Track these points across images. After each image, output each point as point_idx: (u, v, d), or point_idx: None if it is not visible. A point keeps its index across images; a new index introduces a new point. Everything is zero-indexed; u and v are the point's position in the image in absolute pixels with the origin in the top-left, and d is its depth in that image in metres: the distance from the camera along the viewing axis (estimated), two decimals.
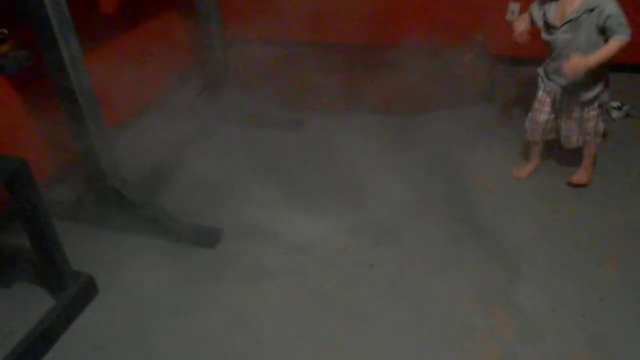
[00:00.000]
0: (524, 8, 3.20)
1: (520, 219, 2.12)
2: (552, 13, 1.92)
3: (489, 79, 3.05)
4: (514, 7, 3.27)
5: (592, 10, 1.79)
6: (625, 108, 2.77)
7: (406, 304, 1.76)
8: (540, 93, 2.17)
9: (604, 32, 1.83)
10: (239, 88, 2.99)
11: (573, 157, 2.33)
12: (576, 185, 2.26)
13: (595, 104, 2.07)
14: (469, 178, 2.36)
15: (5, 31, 1.39)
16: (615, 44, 1.81)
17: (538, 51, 3.33)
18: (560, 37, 1.91)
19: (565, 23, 1.86)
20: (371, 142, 2.68)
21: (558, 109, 2.13)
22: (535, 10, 2.02)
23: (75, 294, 1.77)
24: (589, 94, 2.03)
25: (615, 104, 2.81)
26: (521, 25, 2.08)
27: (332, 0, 3.53)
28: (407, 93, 2.93)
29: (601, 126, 2.14)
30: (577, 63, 1.84)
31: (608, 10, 1.77)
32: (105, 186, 2.05)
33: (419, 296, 1.78)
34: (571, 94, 2.05)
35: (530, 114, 2.23)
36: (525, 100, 2.97)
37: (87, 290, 1.82)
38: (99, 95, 1.92)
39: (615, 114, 2.77)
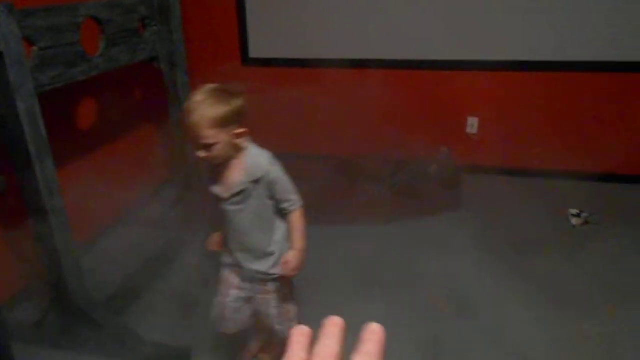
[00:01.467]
0: (482, 121, 3.48)
1: None
2: (219, 185, 1.65)
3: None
4: (473, 121, 3.51)
5: (257, 181, 1.61)
6: (584, 215, 2.90)
7: None
8: (223, 272, 1.80)
9: (275, 199, 1.67)
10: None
11: None
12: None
13: (273, 285, 1.75)
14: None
15: None
16: (297, 217, 1.70)
17: (501, 161, 3.56)
18: (230, 208, 1.65)
19: (233, 195, 1.62)
20: (337, 254, 2.70)
21: (249, 289, 1.76)
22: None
23: None
24: (262, 266, 1.70)
25: (574, 211, 2.94)
26: (214, 235, 1.82)
27: (305, 115, 3.74)
28: (377, 203, 3.02)
29: (291, 311, 1.83)
30: (294, 261, 1.68)
31: (274, 179, 1.63)
32: (70, 305, 1.99)
33: None
34: (246, 270, 1.72)
35: (215, 300, 1.83)
36: (492, 207, 3.11)
37: None
38: (69, 210, 1.93)
39: (574, 220, 2.89)
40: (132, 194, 3.21)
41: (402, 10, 3.35)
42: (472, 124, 3.52)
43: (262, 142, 3.93)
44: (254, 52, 3.78)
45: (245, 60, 3.81)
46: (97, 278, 2.36)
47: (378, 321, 0.45)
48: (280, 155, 3.81)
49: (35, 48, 1.77)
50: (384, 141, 3.67)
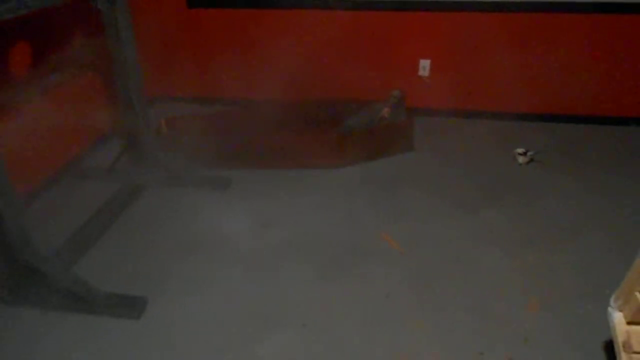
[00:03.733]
0: (434, 64, 3.48)
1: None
2: None
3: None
4: (424, 63, 3.51)
5: None
6: (529, 154, 3.01)
7: None
8: None
9: None
10: (162, 147, 2.93)
11: None
12: None
13: None
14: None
15: None
16: None
17: (452, 103, 3.60)
18: None
19: None
20: (295, 198, 2.71)
21: None
22: None
23: None
24: None
25: (520, 150, 3.04)
26: None
27: (256, 58, 3.63)
28: (330, 147, 3.01)
29: None
30: None
31: None
32: (14, 260, 1.91)
33: None
34: None
35: None
36: (444, 148, 3.17)
37: None
38: (9, 160, 1.82)
39: (520, 159, 3.00)
40: (75, 144, 3.07)
41: None
42: (424, 66, 3.52)
43: (211, 88, 3.83)
44: None
45: (190, 1, 3.61)
46: (43, 231, 2.27)
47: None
48: (229, 100, 3.70)
49: None
50: (336, 84, 3.63)
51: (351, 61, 3.56)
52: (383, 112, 3.21)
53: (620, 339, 1.42)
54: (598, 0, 3.14)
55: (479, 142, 3.29)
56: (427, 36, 3.43)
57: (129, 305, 1.96)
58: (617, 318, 1.46)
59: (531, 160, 3.01)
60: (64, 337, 1.86)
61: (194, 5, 3.62)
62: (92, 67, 3.13)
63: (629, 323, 1.44)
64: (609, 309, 1.48)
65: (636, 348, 1.39)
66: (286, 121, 3.25)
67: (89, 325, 1.90)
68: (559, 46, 3.32)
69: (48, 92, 2.77)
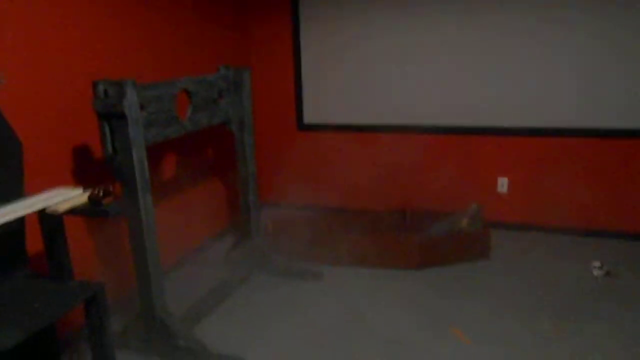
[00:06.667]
0: (513, 181, 3.83)
1: None
2: None
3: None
4: (503, 180, 3.87)
5: None
6: (605, 267, 3.15)
7: None
8: None
9: None
10: (268, 244, 3.48)
11: None
12: None
13: None
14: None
15: (111, 189, 1.94)
16: None
17: (529, 218, 3.86)
18: None
19: None
20: (379, 292, 3.07)
21: None
22: None
23: None
24: None
25: (597, 263, 3.19)
26: None
27: (352, 173, 4.22)
28: (413, 251, 3.38)
29: None
30: None
31: None
32: (152, 316, 2.44)
33: None
34: None
35: None
36: (516, 259, 3.40)
37: None
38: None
39: (596, 272, 3.14)
40: (201, 234, 3.73)
41: (437, 83, 3.86)
42: (503, 184, 3.87)
43: (311, 197, 4.39)
44: (307, 118, 4.35)
45: (300, 125, 4.38)
46: (171, 300, 2.81)
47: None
48: (325, 208, 4.29)
49: (144, 112, 2.35)
50: (420, 197, 4.08)
51: (436, 177, 4.02)
52: (462, 222, 3.56)
53: None
54: None
55: (554, 255, 3.47)
56: (506, 157, 3.84)
57: None
58: None
59: (607, 273, 3.14)
60: None
61: (302, 129, 4.38)
62: (221, 175, 3.88)
63: None
64: None
65: None
66: (374, 226, 3.70)
67: None
68: (626, 169, 3.56)
69: (185, 192, 3.50)
